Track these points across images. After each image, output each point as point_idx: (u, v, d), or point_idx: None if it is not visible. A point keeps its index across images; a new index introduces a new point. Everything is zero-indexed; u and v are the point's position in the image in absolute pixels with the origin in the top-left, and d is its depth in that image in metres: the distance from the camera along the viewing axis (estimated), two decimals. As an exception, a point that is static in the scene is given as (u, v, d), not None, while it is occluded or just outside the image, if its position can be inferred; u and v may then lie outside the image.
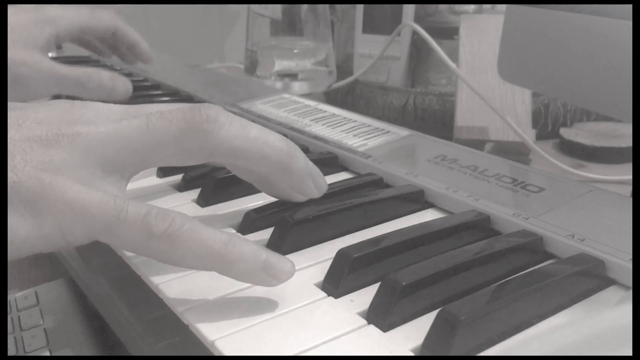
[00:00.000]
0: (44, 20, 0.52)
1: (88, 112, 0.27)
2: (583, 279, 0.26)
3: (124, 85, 0.51)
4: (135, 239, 0.24)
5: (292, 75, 0.71)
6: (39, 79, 0.48)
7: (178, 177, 0.38)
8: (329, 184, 0.36)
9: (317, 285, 0.27)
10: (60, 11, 0.53)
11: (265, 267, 0.25)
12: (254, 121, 0.48)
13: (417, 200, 0.35)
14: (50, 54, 0.61)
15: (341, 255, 0.27)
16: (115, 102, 0.30)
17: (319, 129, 0.45)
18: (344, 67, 0.79)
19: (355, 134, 0.44)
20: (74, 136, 0.26)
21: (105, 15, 0.57)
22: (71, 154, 0.25)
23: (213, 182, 0.35)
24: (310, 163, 0.29)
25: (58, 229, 0.24)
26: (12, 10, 0.52)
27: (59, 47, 0.62)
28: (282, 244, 0.29)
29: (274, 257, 0.25)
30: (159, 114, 0.27)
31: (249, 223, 0.32)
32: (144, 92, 0.60)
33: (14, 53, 0.47)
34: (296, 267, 0.28)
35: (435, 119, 0.65)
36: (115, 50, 0.62)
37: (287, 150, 0.28)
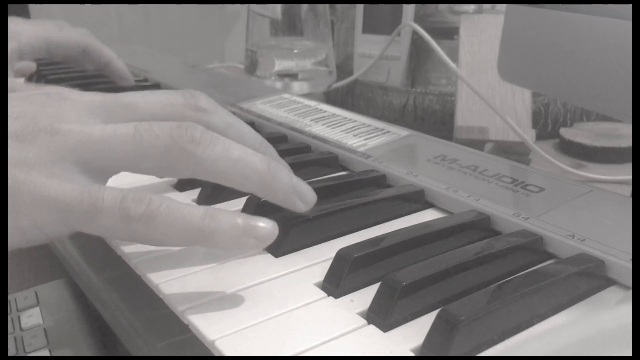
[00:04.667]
0: (7, 34, 0.50)
1: (66, 105, 0.27)
2: (583, 279, 0.26)
3: None
4: (115, 225, 0.24)
5: (292, 75, 0.71)
6: None
7: (178, 177, 0.38)
8: (331, 184, 0.36)
9: (317, 285, 0.27)
10: (24, 25, 0.52)
11: (247, 230, 0.25)
12: (253, 122, 0.49)
13: (417, 200, 0.35)
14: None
15: (341, 255, 0.27)
16: None
17: (319, 129, 0.45)
18: (344, 67, 0.79)
19: (355, 134, 0.44)
20: (52, 133, 0.26)
21: (74, 32, 0.55)
22: (47, 150, 0.25)
23: (212, 183, 0.35)
24: (295, 179, 0.29)
25: (35, 223, 0.24)
26: None
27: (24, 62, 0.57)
28: (282, 244, 0.29)
29: (253, 219, 0.25)
30: (147, 126, 0.27)
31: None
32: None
33: None
34: (296, 267, 0.28)
35: (435, 119, 0.65)
36: (93, 65, 0.60)
37: (268, 171, 0.28)
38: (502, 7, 0.69)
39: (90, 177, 0.26)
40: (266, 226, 0.25)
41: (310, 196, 0.29)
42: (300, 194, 0.29)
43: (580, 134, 0.61)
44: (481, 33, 0.63)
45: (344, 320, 0.24)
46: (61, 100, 0.27)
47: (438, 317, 0.22)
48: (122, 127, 0.26)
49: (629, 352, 0.19)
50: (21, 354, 0.31)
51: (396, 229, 0.30)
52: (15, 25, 0.51)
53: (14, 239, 0.25)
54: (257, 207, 0.32)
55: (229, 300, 0.25)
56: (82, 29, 0.57)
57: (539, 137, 0.59)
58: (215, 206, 0.35)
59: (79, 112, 0.27)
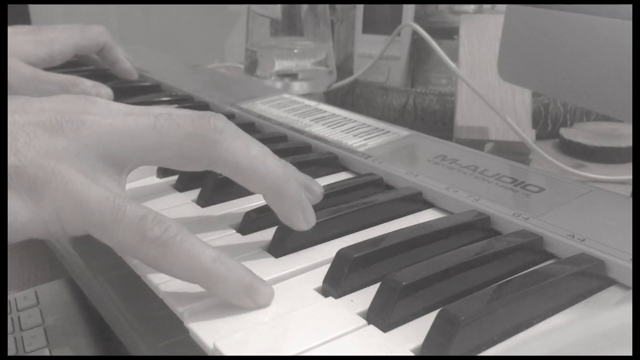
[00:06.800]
0: (41, 41, 0.55)
1: (94, 106, 0.28)
2: (583, 279, 0.26)
3: (106, 93, 0.53)
4: (128, 240, 0.24)
5: (292, 75, 0.71)
6: (21, 83, 0.50)
7: (178, 177, 0.38)
8: (329, 184, 0.36)
9: (317, 285, 0.27)
10: (56, 34, 0.57)
11: (248, 290, 0.25)
12: (253, 122, 0.49)
13: (415, 200, 0.35)
14: None
15: (341, 255, 0.27)
16: None
17: (319, 129, 0.45)
18: (344, 67, 0.79)
19: (355, 134, 0.44)
20: (79, 124, 0.26)
21: (95, 32, 0.61)
22: (74, 143, 0.26)
23: (212, 182, 0.35)
24: (303, 195, 0.29)
25: (57, 216, 0.25)
26: (10, 31, 0.55)
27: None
28: (283, 245, 0.29)
29: (257, 281, 0.25)
30: (167, 115, 0.27)
31: (249, 223, 0.32)
32: (144, 92, 0.60)
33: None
34: (296, 268, 0.28)
35: (435, 119, 0.65)
36: (104, 61, 0.65)
37: (282, 174, 0.28)
38: (502, 7, 0.69)
39: (115, 172, 0.27)
40: (266, 294, 0.25)
41: (312, 217, 0.29)
42: (304, 210, 0.29)
43: (580, 134, 0.61)
44: (481, 33, 0.63)
45: (344, 320, 0.24)
46: (88, 102, 0.28)
47: (438, 317, 0.22)
48: (143, 118, 0.27)
49: (629, 352, 0.19)
50: (21, 354, 0.31)
51: (396, 229, 0.30)
52: (48, 34, 0.56)
53: (35, 228, 0.25)
54: (258, 209, 0.32)
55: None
56: (100, 27, 0.62)
57: (539, 137, 0.59)
58: (215, 207, 0.35)
59: (105, 110, 0.28)
